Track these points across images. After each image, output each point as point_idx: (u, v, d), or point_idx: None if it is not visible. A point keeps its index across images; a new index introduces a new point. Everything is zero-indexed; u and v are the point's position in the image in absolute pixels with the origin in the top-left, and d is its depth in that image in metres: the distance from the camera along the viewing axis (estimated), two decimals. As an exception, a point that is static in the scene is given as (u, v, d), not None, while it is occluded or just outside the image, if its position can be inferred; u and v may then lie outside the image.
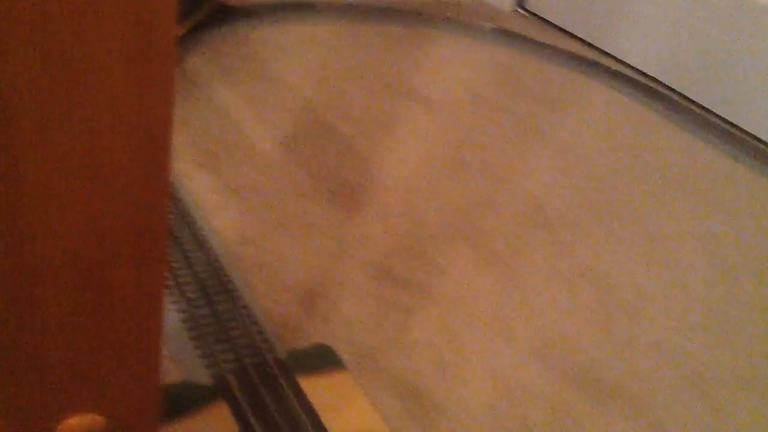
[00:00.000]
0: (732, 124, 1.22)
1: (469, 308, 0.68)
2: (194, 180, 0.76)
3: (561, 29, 1.47)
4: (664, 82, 1.31)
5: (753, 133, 1.20)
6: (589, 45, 1.42)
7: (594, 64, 1.31)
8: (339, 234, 0.74)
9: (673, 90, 1.28)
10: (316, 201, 0.78)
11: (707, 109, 1.25)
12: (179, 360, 0.57)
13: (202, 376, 0.56)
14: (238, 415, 0.54)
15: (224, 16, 1.15)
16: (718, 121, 1.21)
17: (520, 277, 0.73)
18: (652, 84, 1.29)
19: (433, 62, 1.17)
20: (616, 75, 1.29)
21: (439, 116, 1.01)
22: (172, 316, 0.60)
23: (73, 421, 0.37)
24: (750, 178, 1.03)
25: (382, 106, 1.00)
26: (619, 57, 1.38)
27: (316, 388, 0.57)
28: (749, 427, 0.62)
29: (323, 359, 0.60)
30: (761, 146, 1.16)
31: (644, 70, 1.34)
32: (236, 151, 0.82)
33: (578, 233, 0.82)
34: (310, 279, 0.67)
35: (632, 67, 1.35)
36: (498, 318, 0.68)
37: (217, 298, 0.63)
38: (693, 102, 1.26)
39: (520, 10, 1.53)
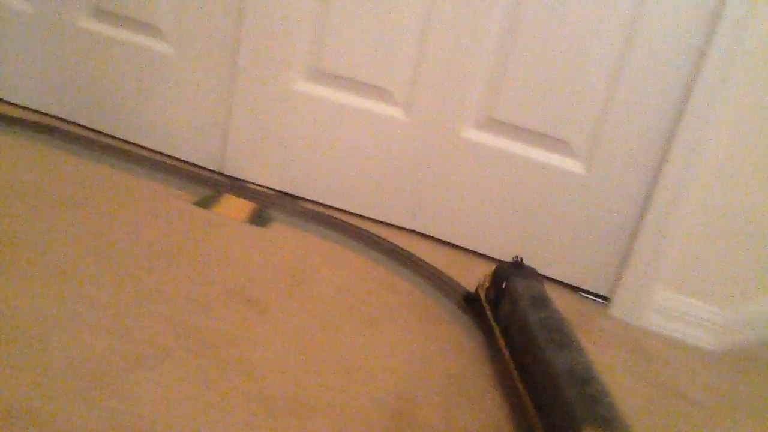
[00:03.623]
0: (126, 141, 1.41)
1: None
2: None
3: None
4: (62, 117, 1.44)
5: (138, 142, 1.41)
6: None
7: None
8: None
9: (70, 122, 1.43)
10: None
11: (96, 130, 1.42)
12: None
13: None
14: None
15: None
16: (114, 143, 1.39)
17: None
18: (51, 122, 1.41)
19: None
20: (13, 120, 1.38)
21: None
22: None
23: None
24: (135, 183, 1.24)
25: None
26: (17, 101, 1.46)
27: None
28: (147, 403, 0.75)
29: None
30: (143, 154, 1.37)
31: (44, 110, 1.45)
32: None
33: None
34: None
35: (33, 110, 1.45)
36: None
37: None
38: (85, 127, 1.42)
39: None
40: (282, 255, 1.11)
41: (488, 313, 1.06)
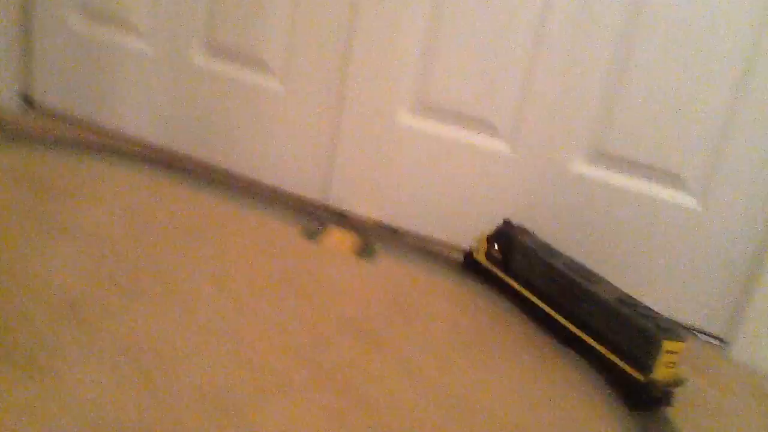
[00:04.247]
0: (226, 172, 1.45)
1: (14, 420, 0.70)
2: None
3: (77, 120, 1.55)
4: (174, 150, 1.48)
5: (248, 175, 1.45)
6: (106, 129, 1.53)
7: (102, 147, 1.43)
8: None
9: (182, 155, 1.47)
10: None
11: (208, 163, 1.46)
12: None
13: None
14: None
15: None
16: (223, 175, 1.42)
17: (59, 375, 0.78)
18: (165, 155, 1.45)
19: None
20: (131, 154, 1.43)
21: None
22: None
23: None
24: (245, 216, 1.27)
25: None
26: (133, 135, 1.52)
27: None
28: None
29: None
30: (255, 187, 1.41)
31: (156, 143, 1.50)
32: None
33: (110, 314, 0.90)
34: None
35: (147, 143, 1.50)
36: (43, 418, 0.71)
37: None
38: (197, 161, 1.46)
39: (30, 109, 1.58)
40: (390, 288, 1.12)
41: (496, 271, 1.16)
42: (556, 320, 1.05)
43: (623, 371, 0.95)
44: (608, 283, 1.05)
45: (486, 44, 1.20)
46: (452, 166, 1.28)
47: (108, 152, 1.43)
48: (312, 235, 1.24)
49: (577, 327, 1.02)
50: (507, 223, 1.17)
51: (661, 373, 0.91)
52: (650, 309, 0.98)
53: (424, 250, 1.28)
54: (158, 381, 0.81)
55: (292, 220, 1.29)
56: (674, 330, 0.93)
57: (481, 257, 1.18)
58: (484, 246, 1.17)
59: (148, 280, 1.01)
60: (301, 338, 0.94)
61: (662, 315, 0.97)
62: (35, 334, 0.84)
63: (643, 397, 0.93)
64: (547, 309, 1.07)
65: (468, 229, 1.29)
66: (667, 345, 0.90)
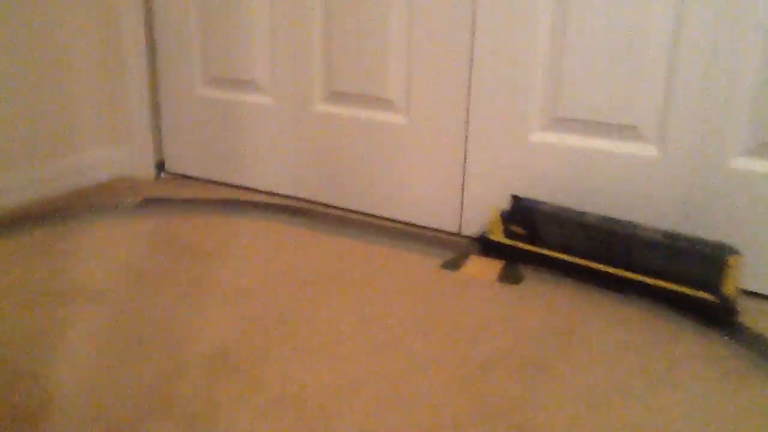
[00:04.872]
0: (362, 213, 1.44)
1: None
2: None
3: (207, 180, 1.62)
4: (299, 196, 1.51)
5: (376, 213, 1.43)
6: (235, 187, 1.58)
7: (239, 204, 1.46)
8: None
9: (308, 200, 1.49)
10: None
11: (337, 206, 1.46)
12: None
13: None
14: None
15: None
16: (353, 216, 1.41)
17: (223, 427, 0.76)
18: (295, 203, 1.47)
19: (87, 253, 1.20)
20: (261, 207, 1.45)
21: (105, 304, 1.02)
22: None
23: None
24: (381, 253, 1.23)
25: (40, 317, 0.99)
26: (261, 189, 1.56)
27: None
28: None
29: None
30: (386, 224, 1.39)
31: (284, 193, 1.52)
32: None
33: (266, 364, 0.88)
34: None
35: (276, 194, 1.53)
36: None
37: None
38: (326, 205, 1.47)
39: (163, 174, 1.66)
40: (543, 312, 1.05)
41: (522, 246, 1.17)
42: (612, 273, 1.08)
43: (696, 298, 1.01)
44: (644, 226, 1.09)
45: (621, 47, 1.13)
46: (594, 176, 1.20)
47: (242, 208, 1.45)
48: (452, 265, 1.19)
49: (637, 273, 1.06)
50: (518, 198, 1.18)
51: (728, 288, 0.99)
52: (696, 237, 1.05)
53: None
54: (320, 427, 0.77)
55: (430, 254, 1.24)
56: (729, 247, 1.01)
57: (499, 237, 1.19)
58: (500, 226, 1.18)
59: (296, 327, 0.99)
60: (460, 372, 0.88)
61: (708, 239, 1.06)
62: (191, 387, 0.83)
63: (721, 315, 1.00)
64: (600, 266, 1.09)
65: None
66: (731, 261, 0.98)
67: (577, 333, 0.99)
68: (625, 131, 1.16)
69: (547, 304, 1.07)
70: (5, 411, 0.78)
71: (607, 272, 1.08)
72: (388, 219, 1.41)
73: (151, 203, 1.46)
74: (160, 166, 1.66)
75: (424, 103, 1.31)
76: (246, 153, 1.54)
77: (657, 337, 0.99)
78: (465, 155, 1.29)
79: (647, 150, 1.15)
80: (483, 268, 1.18)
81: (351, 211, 1.44)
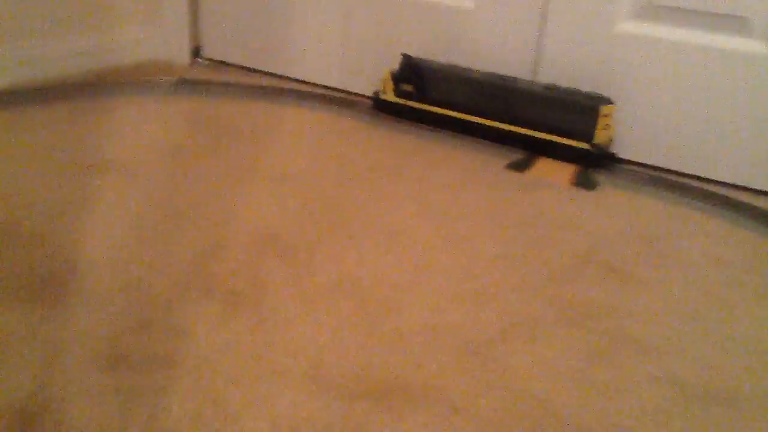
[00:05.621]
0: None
1: (227, 361, 0.60)
2: None
3: (244, 68, 1.50)
4: (346, 89, 1.38)
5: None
6: (276, 76, 1.47)
7: (282, 91, 1.35)
8: (47, 336, 0.61)
9: (353, 93, 1.37)
10: (8, 307, 0.64)
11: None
12: None
13: None
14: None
15: None
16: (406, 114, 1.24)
17: (270, 311, 0.67)
18: (337, 95, 1.36)
19: (119, 128, 1.10)
20: (304, 95, 1.33)
21: (137, 178, 0.93)
22: None
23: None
24: (441, 150, 1.12)
25: (67, 186, 0.89)
26: (303, 78, 1.43)
27: None
28: (531, 379, 0.61)
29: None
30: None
31: (330, 85, 1.40)
32: None
33: (317, 249, 0.79)
34: (22, 399, 0.54)
35: (318, 85, 1.41)
36: (260, 359, 0.60)
37: None
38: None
39: (199, 60, 1.54)
40: (625, 220, 0.93)
41: (412, 104, 1.19)
42: (495, 127, 1.13)
43: (571, 146, 1.07)
44: (525, 80, 1.14)
45: None
46: (690, 76, 1.05)
47: (286, 96, 1.33)
48: (519, 166, 1.07)
49: (519, 125, 1.11)
50: (408, 57, 1.19)
51: (600, 136, 1.06)
52: (575, 88, 1.09)
53: (660, 181, 1.07)
54: (381, 320, 0.67)
55: (494, 153, 1.12)
56: (603, 97, 1.07)
57: (390, 96, 1.21)
58: (391, 85, 1.20)
59: (350, 216, 0.88)
60: (537, 273, 0.78)
61: (586, 90, 1.10)
62: (234, 266, 0.74)
63: (594, 160, 1.07)
64: (485, 121, 1.13)
65: (716, 157, 1.07)
66: (603, 110, 1.05)
67: (661, 242, 0.88)
68: (734, 23, 1.01)
69: (626, 211, 0.96)
70: (23, 276, 0.69)
71: (491, 126, 1.13)
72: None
73: (188, 84, 1.35)
74: (196, 51, 1.53)
75: (495, -14, 1.16)
76: (290, 40, 1.41)
77: (750, 252, 0.87)
78: (538, 44, 1.15)
79: (760, 46, 1.01)
80: (553, 171, 1.06)
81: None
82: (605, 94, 1.09)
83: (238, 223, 0.83)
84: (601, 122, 1.05)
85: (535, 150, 1.11)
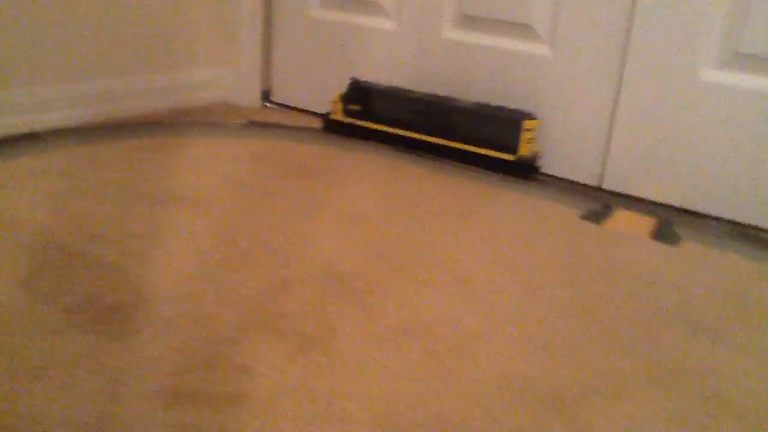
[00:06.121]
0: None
1: (294, 404, 0.57)
2: None
3: (312, 112, 1.51)
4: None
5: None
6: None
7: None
8: (113, 366, 0.60)
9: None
10: (76, 335, 0.63)
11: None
12: None
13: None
14: None
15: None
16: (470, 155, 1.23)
17: (338, 353, 0.64)
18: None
19: (189, 165, 1.12)
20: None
21: (205, 214, 0.93)
22: None
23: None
24: (509, 197, 1.09)
25: (138, 218, 0.90)
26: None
27: None
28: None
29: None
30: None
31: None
32: None
33: (386, 292, 0.76)
34: (84, 429, 0.52)
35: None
36: (326, 403, 0.57)
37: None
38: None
39: (267, 104, 1.55)
40: (709, 275, 0.87)
41: (359, 123, 1.28)
42: (431, 141, 1.22)
43: (498, 158, 1.17)
44: (461, 99, 1.23)
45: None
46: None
47: (351, 139, 1.33)
48: (595, 217, 1.03)
49: (452, 140, 1.20)
50: (356, 80, 1.29)
51: (524, 149, 1.14)
52: (503, 106, 1.20)
53: (743, 236, 1.01)
54: (455, 368, 0.63)
55: (564, 202, 1.08)
56: (527, 113, 1.16)
57: (339, 116, 1.30)
58: (340, 106, 1.29)
59: (420, 259, 0.85)
60: (618, 328, 0.73)
61: (514, 107, 1.21)
62: (301, 305, 0.71)
63: (517, 171, 1.16)
64: (421, 136, 1.23)
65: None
66: (525, 124, 1.13)
67: (748, 299, 0.82)
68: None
69: (710, 266, 0.90)
70: (91, 305, 0.68)
71: (431, 142, 1.22)
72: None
73: (257, 126, 1.36)
74: (266, 94, 1.55)
75: (572, 32, 1.14)
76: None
77: None
78: (617, 96, 1.12)
79: None
80: (631, 223, 1.02)
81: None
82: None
83: (305, 262, 0.81)
84: (525, 136, 1.14)
85: (468, 162, 1.20)
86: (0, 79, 1.17)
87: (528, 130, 1.13)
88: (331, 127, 1.32)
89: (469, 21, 1.25)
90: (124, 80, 1.34)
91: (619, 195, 1.14)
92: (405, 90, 1.27)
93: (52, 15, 1.21)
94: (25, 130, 1.20)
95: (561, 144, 1.19)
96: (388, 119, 1.26)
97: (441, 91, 1.31)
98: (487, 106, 1.18)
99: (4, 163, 1.06)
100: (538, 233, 0.96)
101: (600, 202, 1.09)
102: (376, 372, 0.62)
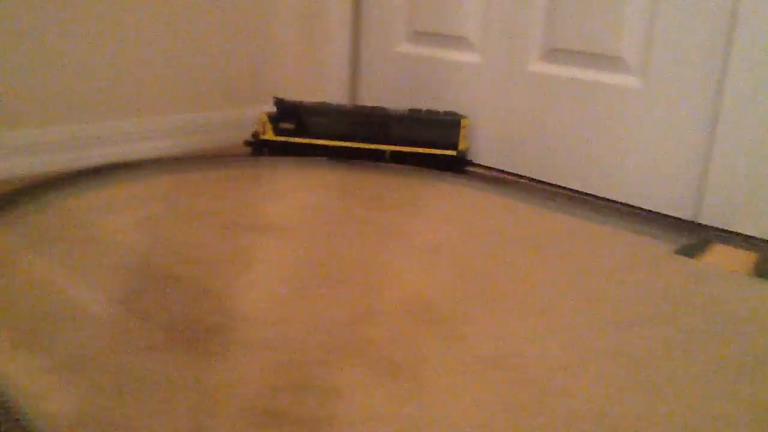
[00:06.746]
0: (567, 189, 1.28)
1: (382, 428, 0.56)
2: (12, 363, 0.63)
3: None
4: (499, 167, 1.38)
5: (589, 192, 1.25)
6: None
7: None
8: (205, 385, 0.61)
9: (509, 173, 1.36)
10: (171, 354, 0.65)
11: (542, 181, 1.32)
12: None
13: None
14: None
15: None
16: (558, 190, 1.26)
17: (426, 381, 0.63)
18: (490, 173, 1.36)
19: (274, 194, 1.15)
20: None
21: (292, 241, 0.94)
22: None
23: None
24: (597, 230, 1.06)
25: (227, 243, 0.92)
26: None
27: None
28: None
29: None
30: (601, 203, 1.20)
31: (482, 163, 1.40)
32: (62, 322, 0.70)
33: (473, 322, 0.75)
34: None
35: (474, 164, 1.41)
36: (415, 430, 0.56)
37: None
38: (528, 178, 1.33)
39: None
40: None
41: (294, 140, 1.31)
42: (375, 149, 1.31)
43: (442, 155, 1.30)
44: (391, 108, 1.33)
45: None
46: None
47: (433, 170, 1.33)
48: (690, 252, 0.99)
49: (395, 145, 1.30)
50: (281, 99, 1.31)
51: (462, 144, 1.29)
52: (432, 110, 1.33)
53: None
54: (548, 402, 0.62)
55: (656, 236, 1.05)
56: (459, 114, 1.31)
57: (270, 136, 1.31)
58: (269, 126, 1.31)
59: (506, 290, 0.84)
60: (720, 368, 0.69)
61: (444, 110, 1.35)
62: (388, 333, 0.71)
63: (458, 164, 1.30)
64: (365, 145, 1.31)
65: None
66: (463, 122, 1.28)
67: None
68: None
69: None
70: (185, 326, 0.70)
71: (376, 149, 1.31)
72: (602, 199, 1.22)
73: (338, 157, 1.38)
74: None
75: (665, 65, 1.11)
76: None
77: None
78: (713, 129, 1.08)
79: None
80: (729, 258, 0.97)
81: (559, 187, 1.28)
82: None
83: (391, 290, 0.81)
84: (462, 133, 1.28)
85: (410, 163, 1.31)
86: (104, 110, 1.24)
87: (464, 127, 1.29)
88: (262, 148, 1.33)
89: (556, 54, 1.24)
90: (216, 114, 1.39)
91: (715, 229, 1.09)
92: (338, 105, 1.34)
93: (154, 53, 1.27)
94: (124, 158, 1.26)
95: (652, 176, 1.15)
96: (328, 134, 1.31)
97: (528, 123, 1.30)
98: (421, 111, 1.30)
99: (105, 189, 1.11)
100: (629, 267, 0.93)
101: (695, 236, 1.05)
102: (465, 402, 0.60)
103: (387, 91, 1.50)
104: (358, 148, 1.31)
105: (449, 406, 0.60)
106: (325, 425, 0.56)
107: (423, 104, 1.44)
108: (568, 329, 0.75)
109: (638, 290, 0.86)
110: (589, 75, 1.21)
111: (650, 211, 1.17)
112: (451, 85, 1.39)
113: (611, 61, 1.18)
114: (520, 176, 1.33)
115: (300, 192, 1.16)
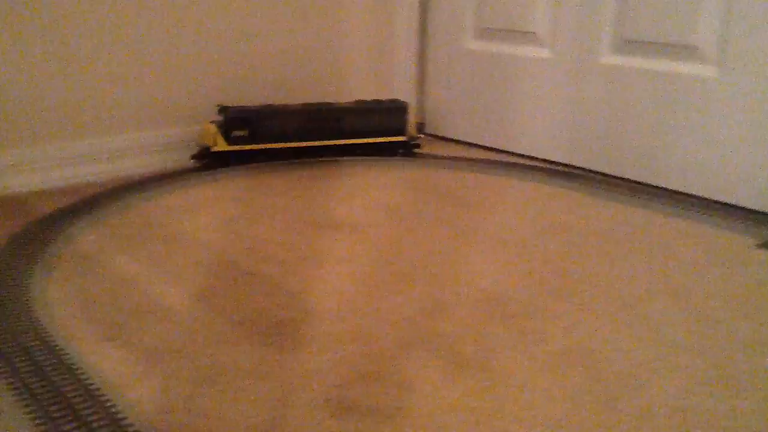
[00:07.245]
0: (640, 183, 1.24)
1: (454, 421, 0.56)
2: (100, 355, 0.66)
3: (464, 143, 1.52)
4: (570, 163, 1.34)
5: (663, 185, 1.21)
6: (496, 150, 1.46)
7: (504, 164, 1.35)
8: (281, 376, 0.62)
9: (580, 168, 1.32)
10: (248, 346, 0.67)
11: (615, 176, 1.28)
12: None
13: None
14: None
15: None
16: (632, 185, 1.22)
17: (498, 375, 0.63)
18: (561, 168, 1.32)
19: (348, 192, 1.16)
20: (527, 168, 1.32)
21: (365, 237, 0.96)
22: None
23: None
24: (675, 225, 1.03)
25: (303, 241, 0.94)
26: (523, 152, 1.42)
27: None
28: None
29: None
30: (677, 197, 1.17)
31: (552, 158, 1.37)
32: (146, 316, 0.73)
33: (545, 316, 0.74)
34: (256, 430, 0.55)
35: (539, 159, 1.39)
36: (489, 424, 0.56)
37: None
38: (600, 174, 1.29)
39: (421, 135, 1.55)
40: None
41: (248, 147, 1.25)
42: (328, 145, 1.31)
43: (393, 142, 1.35)
44: (341, 102, 1.33)
45: None
46: None
47: (508, 169, 1.32)
48: (773, 246, 0.95)
49: (347, 138, 1.31)
50: (227, 107, 1.24)
51: (411, 131, 1.37)
52: (380, 99, 1.37)
53: None
54: (622, 396, 0.60)
55: (737, 229, 1.01)
56: (402, 101, 1.36)
57: (222, 146, 1.23)
58: (220, 136, 1.23)
59: (579, 284, 0.83)
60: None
61: (388, 99, 1.41)
62: (459, 327, 0.71)
63: (408, 148, 1.38)
64: (318, 142, 1.30)
65: None
66: (409, 110, 1.35)
67: None
68: None
69: None
70: (261, 320, 0.72)
71: (329, 145, 1.31)
72: (678, 193, 1.19)
73: (411, 156, 1.39)
74: (420, 127, 1.58)
75: (742, 53, 1.07)
76: (514, 114, 1.41)
77: None
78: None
79: None
80: (816, 253, 0.93)
81: (635, 182, 1.25)
82: None
83: (462, 285, 0.81)
84: (409, 119, 1.34)
85: (366, 153, 1.34)
86: (189, 118, 1.29)
87: (411, 113, 1.36)
88: (214, 161, 1.25)
89: (628, 45, 1.21)
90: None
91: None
92: (284, 105, 1.30)
93: (234, 72, 1.32)
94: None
95: (731, 168, 1.11)
96: (281, 135, 1.27)
97: (600, 117, 1.27)
98: (366, 102, 1.33)
99: (185, 191, 1.15)
100: (710, 263, 0.90)
101: (779, 230, 1.01)
102: (538, 396, 0.60)
103: (454, 89, 1.50)
104: (318, 146, 1.30)
105: (520, 400, 0.59)
106: (398, 416, 0.57)
107: (493, 100, 1.44)
108: (647, 324, 0.73)
109: (721, 285, 0.83)
110: (663, 65, 1.17)
111: (728, 204, 1.13)
112: (521, 81, 1.38)
113: (687, 51, 1.14)
114: (590, 171, 1.31)
115: (375, 190, 1.17)
